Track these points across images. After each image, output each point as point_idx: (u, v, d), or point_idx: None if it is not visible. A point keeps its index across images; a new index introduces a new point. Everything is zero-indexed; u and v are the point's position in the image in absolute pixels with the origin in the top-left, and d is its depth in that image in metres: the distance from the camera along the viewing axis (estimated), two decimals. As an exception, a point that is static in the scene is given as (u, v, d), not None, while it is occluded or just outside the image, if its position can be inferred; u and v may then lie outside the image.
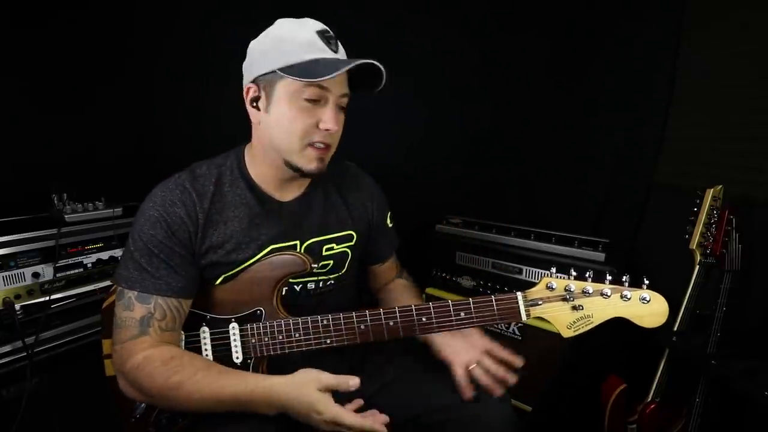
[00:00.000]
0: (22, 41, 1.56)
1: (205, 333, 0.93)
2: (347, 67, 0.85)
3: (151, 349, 0.86)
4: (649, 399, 1.37)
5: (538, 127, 1.97)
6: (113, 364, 0.90)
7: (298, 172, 0.94)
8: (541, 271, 1.58)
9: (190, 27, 1.83)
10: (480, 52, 1.99)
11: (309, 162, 0.92)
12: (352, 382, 0.82)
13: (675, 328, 1.34)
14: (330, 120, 0.90)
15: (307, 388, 0.82)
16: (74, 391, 1.32)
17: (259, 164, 0.98)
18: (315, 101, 0.89)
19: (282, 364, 0.94)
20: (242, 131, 1.01)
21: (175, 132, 1.90)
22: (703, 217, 1.30)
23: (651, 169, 1.77)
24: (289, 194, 1.02)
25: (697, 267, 1.33)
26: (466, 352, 0.97)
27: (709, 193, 1.30)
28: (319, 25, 0.92)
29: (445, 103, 2.07)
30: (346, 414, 0.80)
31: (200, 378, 0.83)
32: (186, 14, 1.84)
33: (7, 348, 1.24)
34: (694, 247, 1.32)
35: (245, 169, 1.00)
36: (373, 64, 0.87)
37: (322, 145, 0.92)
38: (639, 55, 1.75)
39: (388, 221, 1.19)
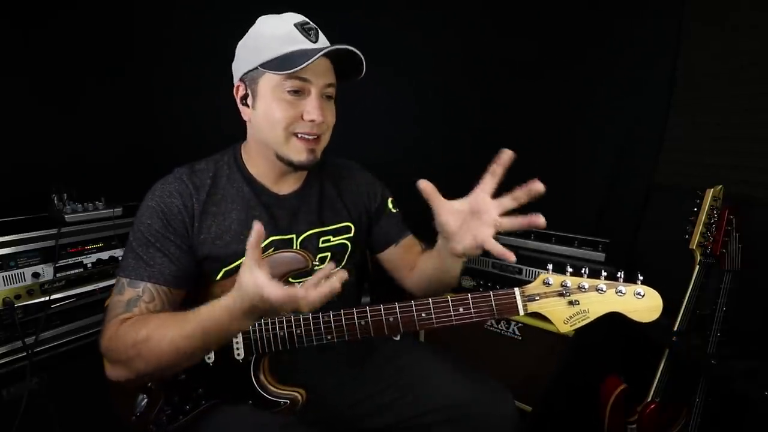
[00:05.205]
0: (22, 41, 1.56)
1: None
2: (319, 55, 0.84)
3: (125, 321, 0.86)
4: (649, 399, 1.37)
5: (538, 127, 1.97)
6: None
7: (291, 166, 0.95)
8: (541, 271, 1.57)
9: (191, 27, 1.83)
10: (481, 51, 1.99)
11: (298, 153, 0.93)
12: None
13: (675, 328, 1.34)
14: (313, 110, 0.90)
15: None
16: (74, 391, 1.32)
17: (255, 159, 1.00)
18: (298, 93, 0.90)
19: (283, 360, 0.94)
20: (242, 131, 1.02)
21: (175, 132, 1.89)
22: (703, 217, 1.30)
23: (651, 169, 1.77)
24: (285, 188, 1.03)
25: (697, 267, 1.32)
26: (478, 230, 0.90)
27: (709, 193, 1.30)
28: (298, 17, 0.92)
29: (444, 102, 2.07)
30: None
31: (164, 324, 0.82)
32: (186, 14, 1.84)
33: (7, 348, 1.24)
34: (694, 247, 1.32)
35: (242, 165, 1.01)
36: (348, 49, 0.87)
37: (309, 137, 0.92)
38: (639, 54, 1.75)
39: (391, 206, 1.16)
